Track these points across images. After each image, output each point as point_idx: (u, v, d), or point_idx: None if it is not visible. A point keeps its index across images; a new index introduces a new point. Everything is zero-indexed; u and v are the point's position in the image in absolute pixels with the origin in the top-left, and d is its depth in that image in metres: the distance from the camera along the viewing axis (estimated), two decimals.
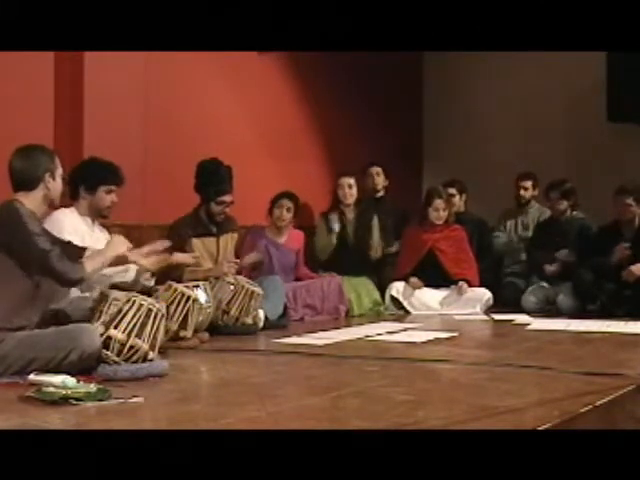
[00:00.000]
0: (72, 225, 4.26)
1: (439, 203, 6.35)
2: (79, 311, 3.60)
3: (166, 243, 4.25)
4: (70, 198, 4.36)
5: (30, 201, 3.41)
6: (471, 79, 8.38)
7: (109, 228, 4.73)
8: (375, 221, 6.62)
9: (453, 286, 6.28)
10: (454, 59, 7.92)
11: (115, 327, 3.33)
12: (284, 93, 6.99)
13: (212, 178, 5.17)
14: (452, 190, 6.89)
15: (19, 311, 3.33)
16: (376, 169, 7.09)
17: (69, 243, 3.71)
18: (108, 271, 4.23)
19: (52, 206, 3.63)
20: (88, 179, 4.35)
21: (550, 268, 6.35)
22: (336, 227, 6.50)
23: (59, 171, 3.53)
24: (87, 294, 3.98)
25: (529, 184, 7.06)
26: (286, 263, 5.96)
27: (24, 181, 3.44)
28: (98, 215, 4.42)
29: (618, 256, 5.85)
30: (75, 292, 4.01)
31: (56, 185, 3.51)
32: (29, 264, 3.32)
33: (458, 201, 6.97)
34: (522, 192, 7.07)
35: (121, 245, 3.66)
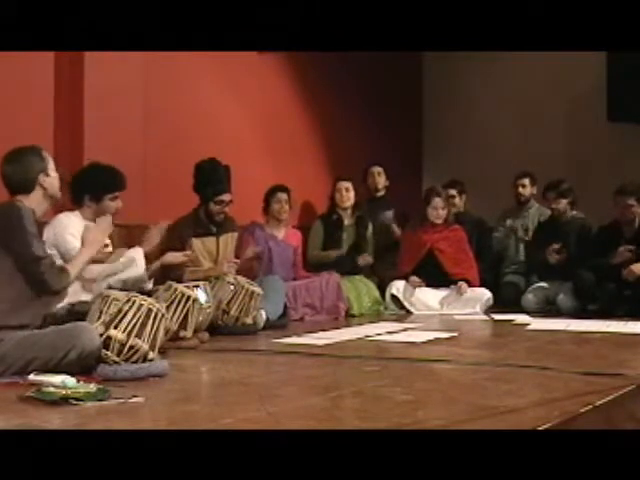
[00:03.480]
0: (75, 228, 4.25)
1: (438, 202, 6.36)
2: (78, 315, 3.60)
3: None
4: (73, 204, 4.35)
5: (30, 202, 3.42)
6: (471, 79, 8.38)
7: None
8: (371, 229, 6.63)
9: (453, 286, 6.28)
10: (454, 59, 7.92)
11: (115, 327, 3.33)
12: (284, 93, 7.00)
13: (210, 178, 5.18)
14: (453, 191, 6.90)
15: (19, 310, 3.33)
16: (377, 169, 7.11)
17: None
18: (116, 267, 4.25)
19: (54, 200, 3.61)
20: (93, 188, 4.32)
21: (555, 256, 6.31)
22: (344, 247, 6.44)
23: (51, 166, 3.52)
24: (88, 299, 3.98)
25: (526, 181, 7.06)
26: (285, 258, 5.97)
27: (19, 186, 3.45)
28: None
29: (620, 259, 5.85)
30: (77, 297, 4.03)
31: (52, 180, 3.52)
32: (20, 265, 3.32)
33: (459, 202, 6.98)
34: (520, 190, 7.07)
35: (97, 241, 3.64)
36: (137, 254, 4.38)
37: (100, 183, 4.34)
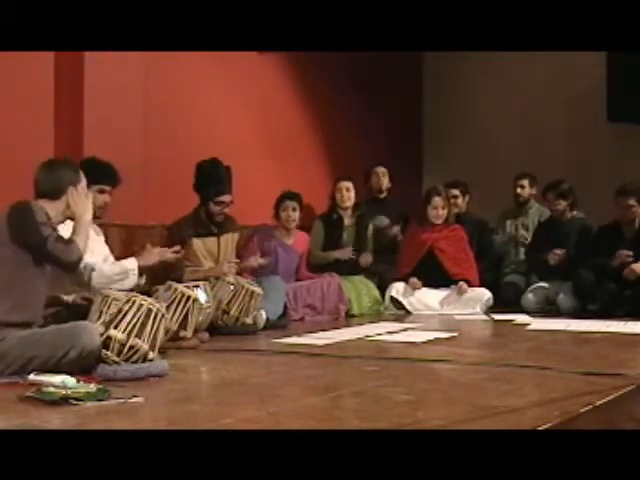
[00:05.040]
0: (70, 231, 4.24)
1: (438, 201, 6.35)
2: (77, 316, 3.60)
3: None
4: None
5: (50, 209, 3.44)
6: (471, 79, 8.39)
7: (108, 229, 4.74)
8: (371, 229, 6.62)
9: (453, 286, 6.28)
10: (454, 59, 7.92)
11: (115, 327, 3.33)
12: (284, 93, 7.00)
13: (211, 178, 5.17)
14: (455, 191, 6.90)
15: (22, 307, 3.34)
16: (382, 169, 7.09)
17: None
18: (111, 278, 4.24)
19: (71, 217, 3.63)
20: None
21: (555, 257, 6.31)
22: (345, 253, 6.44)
23: (83, 184, 3.58)
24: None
25: (525, 182, 7.07)
26: (290, 265, 5.97)
27: (46, 192, 3.49)
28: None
29: (619, 262, 5.84)
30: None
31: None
32: (34, 253, 3.33)
33: (461, 202, 6.97)
34: (519, 190, 7.07)
35: (82, 203, 3.59)
36: (131, 265, 4.35)
37: (89, 173, 4.33)
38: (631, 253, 5.82)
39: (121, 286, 4.21)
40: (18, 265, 3.33)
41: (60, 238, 3.39)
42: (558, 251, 6.28)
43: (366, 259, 6.42)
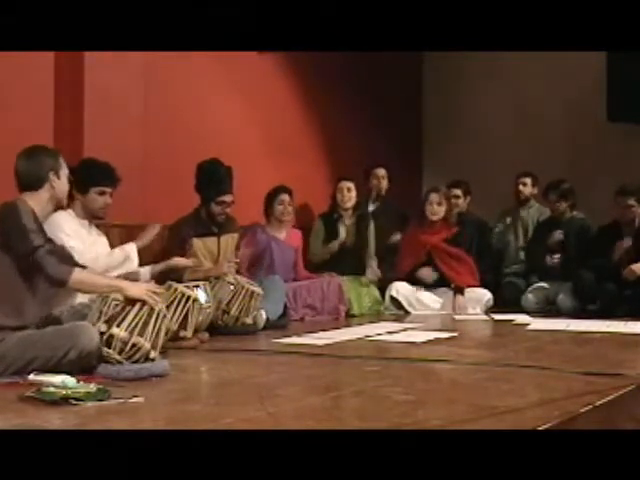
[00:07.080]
0: (70, 228, 4.26)
1: (434, 197, 6.33)
2: (79, 317, 3.59)
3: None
4: (68, 199, 4.36)
5: (36, 202, 3.42)
6: (471, 79, 8.38)
7: (108, 229, 4.74)
8: (372, 227, 6.62)
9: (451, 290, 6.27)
10: (454, 59, 7.92)
11: (117, 325, 3.33)
12: (284, 93, 7.00)
13: (212, 178, 5.17)
14: (457, 191, 6.90)
15: (19, 311, 3.33)
16: (382, 172, 7.03)
17: (62, 247, 3.70)
18: (111, 262, 4.28)
19: (58, 206, 3.62)
20: (80, 180, 4.33)
21: (552, 260, 6.33)
22: (342, 233, 6.46)
23: (64, 170, 3.55)
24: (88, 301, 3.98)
25: (528, 180, 7.08)
26: (286, 259, 5.97)
27: (29, 182, 3.46)
28: (92, 216, 4.42)
29: (618, 253, 5.85)
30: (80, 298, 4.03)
31: (61, 185, 3.53)
32: (22, 260, 3.31)
33: (462, 202, 6.97)
34: (521, 188, 7.07)
35: (125, 287, 3.50)
36: (131, 250, 4.41)
37: (87, 175, 4.35)
38: (628, 239, 5.85)
39: (121, 270, 4.27)
40: (7, 268, 3.32)
41: (54, 252, 3.35)
42: (556, 256, 6.31)
43: (373, 273, 6.42)
